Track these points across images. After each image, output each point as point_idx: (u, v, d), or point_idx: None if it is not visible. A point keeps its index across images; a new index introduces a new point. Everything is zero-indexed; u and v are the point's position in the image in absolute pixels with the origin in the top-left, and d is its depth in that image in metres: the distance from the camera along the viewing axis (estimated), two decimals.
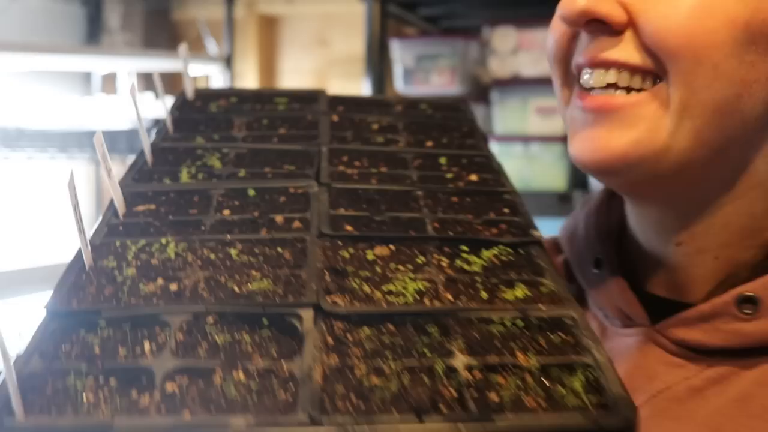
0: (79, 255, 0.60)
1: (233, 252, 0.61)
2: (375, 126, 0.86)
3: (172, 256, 0.61)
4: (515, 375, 0.50)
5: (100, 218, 0.67)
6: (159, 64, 3.17)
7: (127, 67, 3.08)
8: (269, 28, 3.78)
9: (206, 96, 0.93)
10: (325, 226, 0.65)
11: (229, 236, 0.63)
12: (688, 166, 0.64)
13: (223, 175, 0.74)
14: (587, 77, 0.65)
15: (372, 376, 0.49)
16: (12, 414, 0.46)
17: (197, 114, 0.88)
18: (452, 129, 0.86)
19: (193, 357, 0.51)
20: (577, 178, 2.49)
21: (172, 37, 3.82)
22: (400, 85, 2.58)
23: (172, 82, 3.85)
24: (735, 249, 0.67)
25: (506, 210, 0.70)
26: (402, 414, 0.46)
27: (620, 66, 0.63)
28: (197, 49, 3.68)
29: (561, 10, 0.63)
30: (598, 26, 0.63)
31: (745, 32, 0.60)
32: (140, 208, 0.69)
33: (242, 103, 0.92)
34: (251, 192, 0.71)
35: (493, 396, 0.48)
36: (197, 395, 0.47)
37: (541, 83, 2.41)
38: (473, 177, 0.75)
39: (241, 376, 0.49)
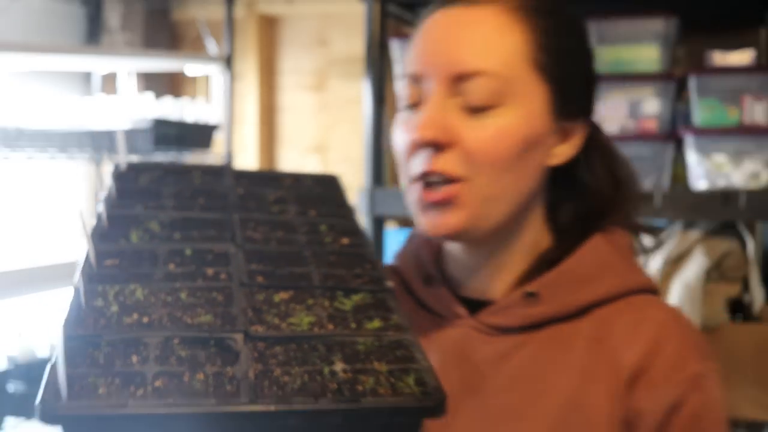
0: (77, 294, 0.92)
1: (182, 295, 0.95)
2: (271, 198, 1.22)
3: (141, 298, 0.93)
4: (373, 375, 0.85)
5: (80, 268, 0.97)
6: (159, 64, 3.41)
7: (127, 66, 3.31)
8: (269, 28, 4.01)
9: (137, 168, 1.27)
10: (244, 277, 1.00)
11: (178, 284, 0.97)
12: (497, 227, 1.05)
13: (163, 237, 1.08)
14: (426, 177, 1.04)
15: (285, 376, 0.83)
16: (61, 399, 0.77)
17: (132, 184, 1.21)
18: (328, 201, 1.24)
19: (168, 365, 0.82)
20: None
21: (172, 37, 4.04)
22: None
23: (172, 81, 4.13)
24: (521, 264, 1.10)
25: (368, 266, 1.07)
26: (304, 397, 0.80)
27: (448, 174, 1.02)
28: (197, 49, 3.89)
29: (416, 134, 1.02)
30: (435, 145, 1.02)
31: (524, 144, 1.02)
32: (108, 262, 1.01)
33: (166, 176, 1.26)
34: (188, 252, 1.05)
35: (359, 387, 0.83)
36: (175, 389, 0.79)
37: None
38: (345, 240, 1.13)
39: (202, 376, 0.81)
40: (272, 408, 0.79)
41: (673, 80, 2.69)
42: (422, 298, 1.16)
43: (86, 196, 3.71)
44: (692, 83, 2.62)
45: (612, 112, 2.72)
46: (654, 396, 1.02)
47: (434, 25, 1.07)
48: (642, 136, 2.69)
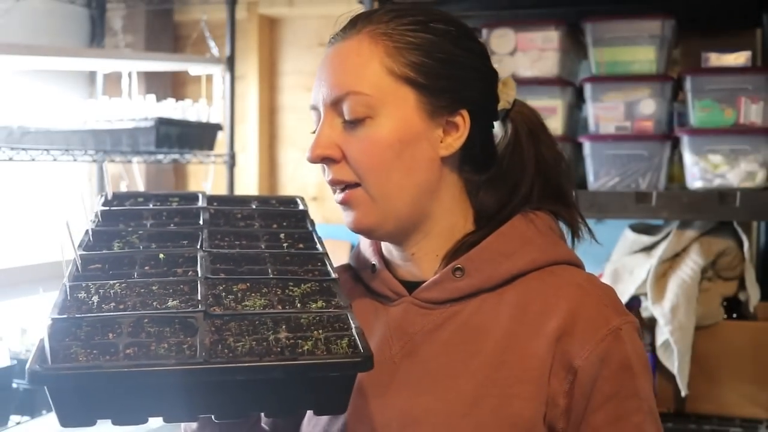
0: (63, 289, 1.15)
1: (154, 288, 1.18)
2: (239, 215, 1.46)
3: (119, 291, 1.16)
4: (311, 340, 1.08)
5: (67, 272, 1.20)
6: (161, 65, 3.58)
7: (130, 67, 3.48)
8: (270, 29, 4.19)
9: (121, 196, 1.51)
10: (208, 273, 1.22)
11: (151, 280, 1.19)
12: (404, 221, 1.30)
13: (141, 247, 1.31)
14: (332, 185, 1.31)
15: (236, 343, 1.05)
16: (46, 363, 0.99)
17: (117, 208, 1.45)
18: (290, 216, 1.48)
19: (138, 338, 1.05)
20: (576, 177, 2.90)
21: (174, 38, 4.22)
22: None
23: (174, 82, 4.27)
24: (444, 247, 1.33)
25: (318, 263, 1.31)
26: (250, 357, 1.03)
27: (343, 182, 1.27)
28: (199, 50, 4.03)
29: (309, 154, 1.28)
30: (328, 161, 1.28)
31: (399, 145, 1.27)
32: (91, 267, 1.24)
33: (147, 202, 1.50)
34: (161, 256, 1.28)
35: (299, 349, 1.06)
36: (143, 354, 1.02)
37: (539, 84, 2.86)
38: (301, 245, 1.37)
39: (166, 345, 1.03)
40: (223, 365, 1.02)
41: (669, 81, 2.81)
42: (370, 285, 1.40)
43: (89, 196, 3.86)
44: (688, 84, 2.74)
45: (609, 112, 2.85)
46: (583, 352, 1.23)
47: (321, 64, 1.33)
48: (639, 137, 2.81)
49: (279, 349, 1.06)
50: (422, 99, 1.28)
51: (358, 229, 1.31)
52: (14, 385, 2.78)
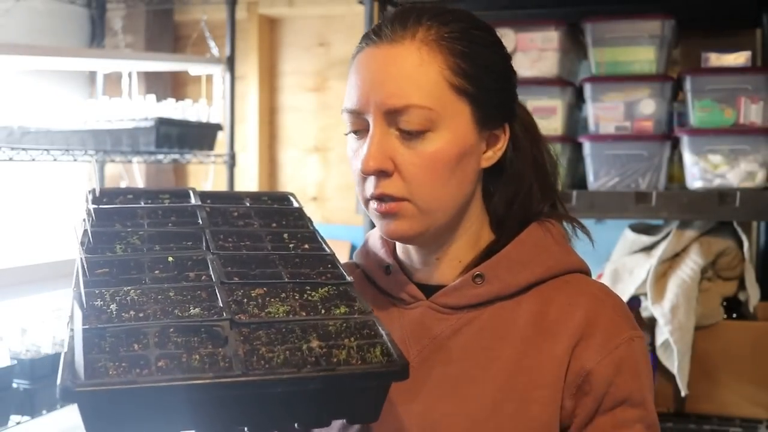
0: (78, 296, 1.10)
1: (171, 294, 1.13)
2: (235, 213, 1.42)
3: (135, 297, 1.12)
4: (345, 349, 1.04)
5: (76, 277, 1.14)
6: (161, 65, 3.57)
7: (130, 67, 3.47)
8: (270, 30, 4.19)
9: (110, 193, 1.45)
10: (222, 277, 1.18)
11: (165, 285, 1.16)
12: (442, 229, 1.27)
13: (144, 249, 1.26)
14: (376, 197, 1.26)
15: (269, 353, 1.02)
16: (79, 379, 0.94)
17: (109, 206, 1.39)
18: (288, 215, 1.44)
19: (167, 348, 1.01)
20: (576, 177, 2.95)
21: (174, 39, 4.21)
22: None
23: (175, 82, 4.25)
24: (468, 254, 1.32)
25: (329, 266, 1.27)
26: (288, 368, 1.00)
27: (392, 195, 1.23)
28: (199, 51, 4.02)
29: (362, 166, 1.22)
30: (380, 173, 1.23)
31: (456, 160, 1.24)
32: (99, 271, 1.20)
33: (137, 199, 1.45)
34: (170, 259, 1.23)
35: (334, 359, 1.03)
36: (176, 367, 0.98)
37: (539, 84, 2.85)
38: (306, 246, 1.33)
39: (198, 356, 1.00)
40: (262, 378, 0.99)
41: (669, 81, 2.80)
42: (383, 286, 1.39)
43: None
44: (688, 84, 2.73)
45: (609, 112, 2.84)
46: (599, 359, 1.24)
47: (364, 65, 1.26)
48: (638, 137, 2.80)
49: (314, 359, 1.03)
50: (476, 112, 1.25)
51: (398, 238, 1.28)
52: (14, 385, 2.74)
